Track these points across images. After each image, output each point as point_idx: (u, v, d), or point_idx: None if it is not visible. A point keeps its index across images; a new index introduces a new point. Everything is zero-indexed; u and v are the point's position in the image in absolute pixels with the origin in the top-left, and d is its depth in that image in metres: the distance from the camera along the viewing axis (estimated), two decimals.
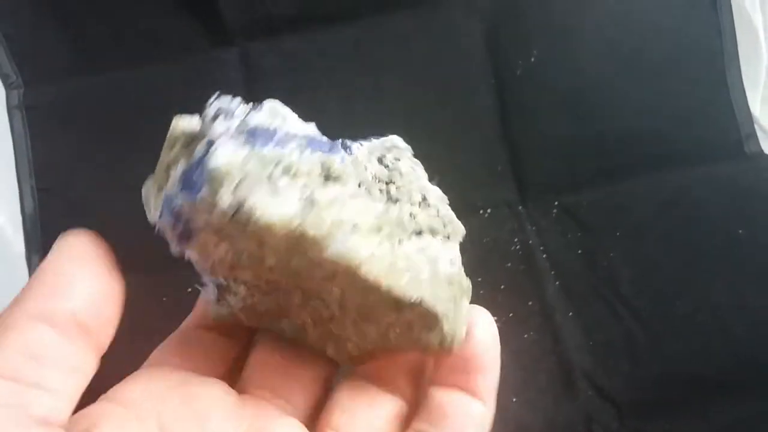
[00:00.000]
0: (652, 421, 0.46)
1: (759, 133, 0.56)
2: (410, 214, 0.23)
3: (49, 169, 0.55)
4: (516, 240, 0.54)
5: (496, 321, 0.49)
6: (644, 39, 0.55)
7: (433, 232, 0.24)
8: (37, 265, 0.53)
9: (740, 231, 0.51)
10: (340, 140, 0.23)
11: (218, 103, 0.22)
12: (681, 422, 0.46)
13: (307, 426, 0.23)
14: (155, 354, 0.25)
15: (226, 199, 0.19)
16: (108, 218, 0.55)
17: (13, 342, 0.18)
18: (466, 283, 0.25)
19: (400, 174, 0.24)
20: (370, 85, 0.54)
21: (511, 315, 0.50)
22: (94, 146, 0.55)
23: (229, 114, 0.22)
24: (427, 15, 0.56)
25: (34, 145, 0.56)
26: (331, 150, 0.22)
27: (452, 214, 0.25)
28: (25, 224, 0.55)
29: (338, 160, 0.21)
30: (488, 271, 0.52)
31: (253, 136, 0.20)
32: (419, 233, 0.23)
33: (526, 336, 0.49)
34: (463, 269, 0.25)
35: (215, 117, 0.22)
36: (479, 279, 0.51)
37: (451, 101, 0.56)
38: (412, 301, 0.21)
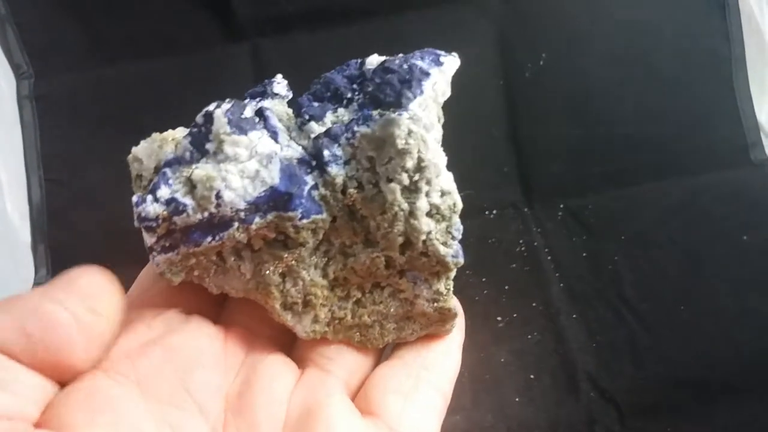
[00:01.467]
0: (653, 423, 0.46)
1: (765, 141, 0.56)
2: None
3: (57, 160, 0.56)
4: (521, 241, 0.54)
5: (500, 321, 0.50)
6: (652, 45, 0.56)
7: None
8: (43, 254, 0.54)
9: (744, 237, 0.51)
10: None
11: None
12: (683, 425, 0.46)
13: (290, 355, 0.23)
14: (137, 288, 0.24)
15: None
16: (114, 210, 0.55)
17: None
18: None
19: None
20: None
21: (515, 315, 0.50)
22: (103, 138, 0.56)
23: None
24: (438, 16, 0.56)
25: (43, 136, 0.56)
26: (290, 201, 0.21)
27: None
28: (32, 214, 0.55)
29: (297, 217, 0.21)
30: (493, 271, 0.52)
31: None
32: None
33: (529, 336, 0.50)
34: None
35: None
36: (484, 279, 0.52)
37: (459, 102, 0.56)
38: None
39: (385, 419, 0.21)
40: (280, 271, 0.22)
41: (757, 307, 0.49)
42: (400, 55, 0.22)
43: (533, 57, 0.56)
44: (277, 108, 0.23)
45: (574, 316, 0.50)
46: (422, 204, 0.21)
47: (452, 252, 0.22)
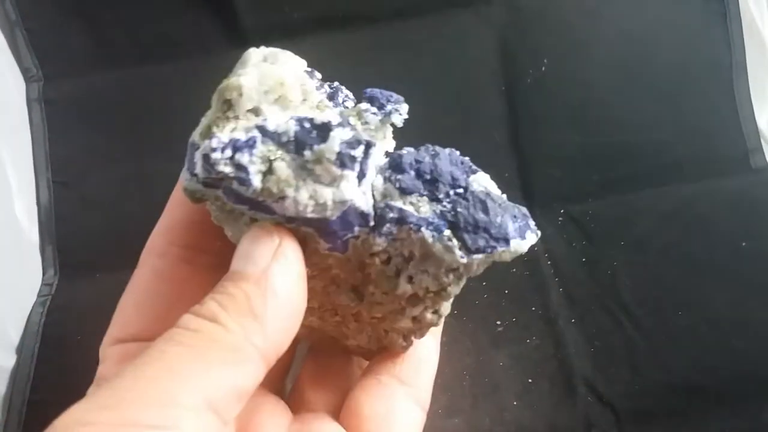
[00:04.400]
0: (650, 428, 0.47)
1: (765, 147, 0.56)
2: None
3: (65, 162, 0.57)
4: None
5: (499, 325, 0.51)
6: (653, 52, 0.56)
7: None
8: (51, 255, 0.55)
9: (743, 244, 0.52)
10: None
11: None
12: (679, 431, 0.46)
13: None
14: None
15: None
16: (122, 212, 0.56)
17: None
18: None
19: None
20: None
21: (514, 320, 0.51)
22: (111, 141, 0.56)
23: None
24: (441, 22, 0.57)
25: (51, 138, 0.57)
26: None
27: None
28: (40, 216, 0.56)
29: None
30: (493, 276, 0.52)
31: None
32: None
33: (528, 341, 0.50)
34: None
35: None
36: (484, 283, 0.52)
37: (461, 107, 0.57)
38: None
39: None
40: None
41: (756, 314, 0.49)
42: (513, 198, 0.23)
43: (535, 63, 0.57)
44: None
45: (573, 321, 0.51)
46: (416, 312, 0.22)
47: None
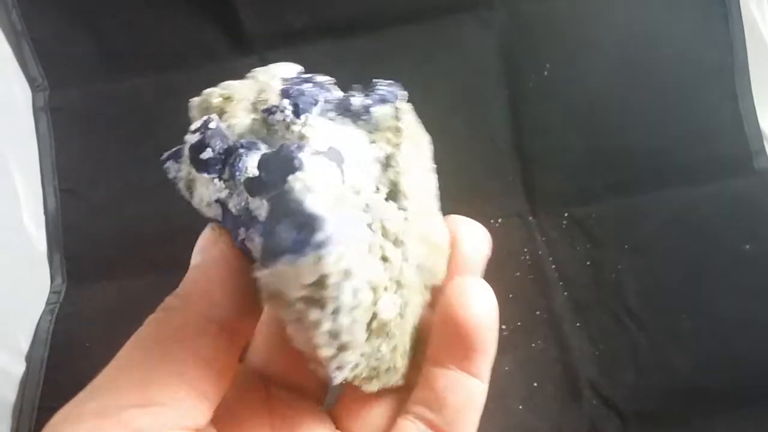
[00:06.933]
0: (655, 431, 0.47)
1: None
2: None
3: (71, 171, 0.57)
4: (526, 250, 0.55)
5: (504, 329, 0.51)
6: (654, 55, 0.56)
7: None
8: (58, 263, 0.55)
9: (747, 246, 0.52)
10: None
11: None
12: None
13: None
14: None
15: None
16: (128, 219, 0.57)
17: (195, 346, 0.19)
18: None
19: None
20: None
21: (519, 324, 0.51)
22: (116, 149, 0.57)
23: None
24: (443, 28, 0.57)
25: (57, 147, 0.57)
26: None
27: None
28: (48, 224, 0.56)
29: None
30: (497, 279, 0.51)
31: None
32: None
33: (533, 345, 0.50)
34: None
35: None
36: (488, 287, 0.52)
37: (464, 112, 0.57)
38: None
39: None
40: None
41: (759, 317, 0.49)
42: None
43: (537, 68, 0.57)
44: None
45: (578, 324, 0.51)
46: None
47: None
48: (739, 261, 0.51)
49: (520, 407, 0.48)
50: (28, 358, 0.51)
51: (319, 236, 0.16)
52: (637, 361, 0.49)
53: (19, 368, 0.50)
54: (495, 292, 0.53)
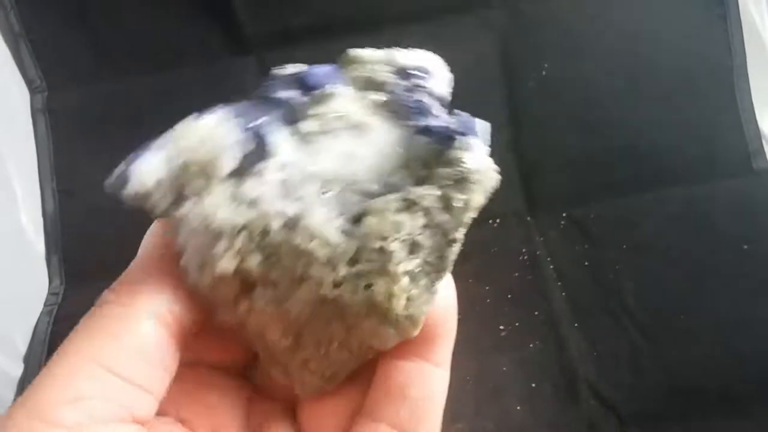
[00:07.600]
0: (653, 431, 0.47)
1: (767, 149, 0.56)
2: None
3: (70, 172, 0.57)
4: (524, 250, 0.55)
5: (503, 329, 0.51)
6: (653, 55, 0.56)
7: None
8: (56, 265, 0.55)
9: (745, 246, 0.52)
10: None
11: None
12: None
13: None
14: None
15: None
16: (127, 220, 0.56)
17: (128, 338, 0.19)
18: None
19: None
20: None
21: (517, 324, 0.51)
22: (115, 150, 0.56)
23: None
24: (440, 27, 0.57)
25: (56, 148, 0.57)
26: None
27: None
28: (46, 225, 0.56)
29: None
30: (495, 279, 0.52)
31: None
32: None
33: (531, 345, 0.50)
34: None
35: None
36: (486, 287, 0.52)
37: (462, 111, 0.57)
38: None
39: None
40: None
41: (758, 316, 0.49)
42: None
43: (536, 67, 0.57)
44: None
45: (576, 324, 0.51)
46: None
47: None
48: (738, 261, 0.51)
49: (518, 408, 0.48)
50: (26, 360, 0.51)
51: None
52: (635, 360, 0.49)
53: (17, 370, 0.50)
54: (493, 293, 0.53)
